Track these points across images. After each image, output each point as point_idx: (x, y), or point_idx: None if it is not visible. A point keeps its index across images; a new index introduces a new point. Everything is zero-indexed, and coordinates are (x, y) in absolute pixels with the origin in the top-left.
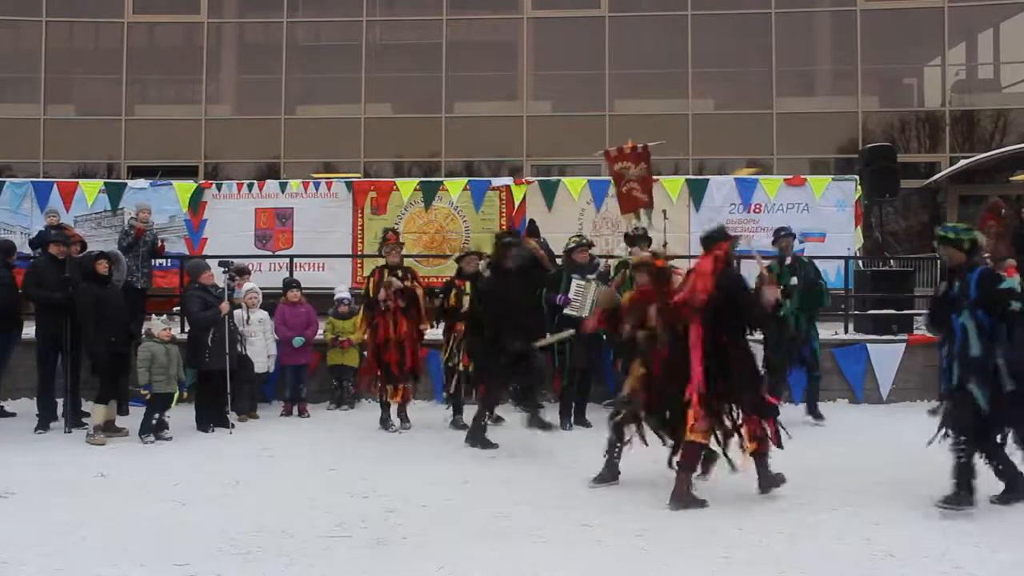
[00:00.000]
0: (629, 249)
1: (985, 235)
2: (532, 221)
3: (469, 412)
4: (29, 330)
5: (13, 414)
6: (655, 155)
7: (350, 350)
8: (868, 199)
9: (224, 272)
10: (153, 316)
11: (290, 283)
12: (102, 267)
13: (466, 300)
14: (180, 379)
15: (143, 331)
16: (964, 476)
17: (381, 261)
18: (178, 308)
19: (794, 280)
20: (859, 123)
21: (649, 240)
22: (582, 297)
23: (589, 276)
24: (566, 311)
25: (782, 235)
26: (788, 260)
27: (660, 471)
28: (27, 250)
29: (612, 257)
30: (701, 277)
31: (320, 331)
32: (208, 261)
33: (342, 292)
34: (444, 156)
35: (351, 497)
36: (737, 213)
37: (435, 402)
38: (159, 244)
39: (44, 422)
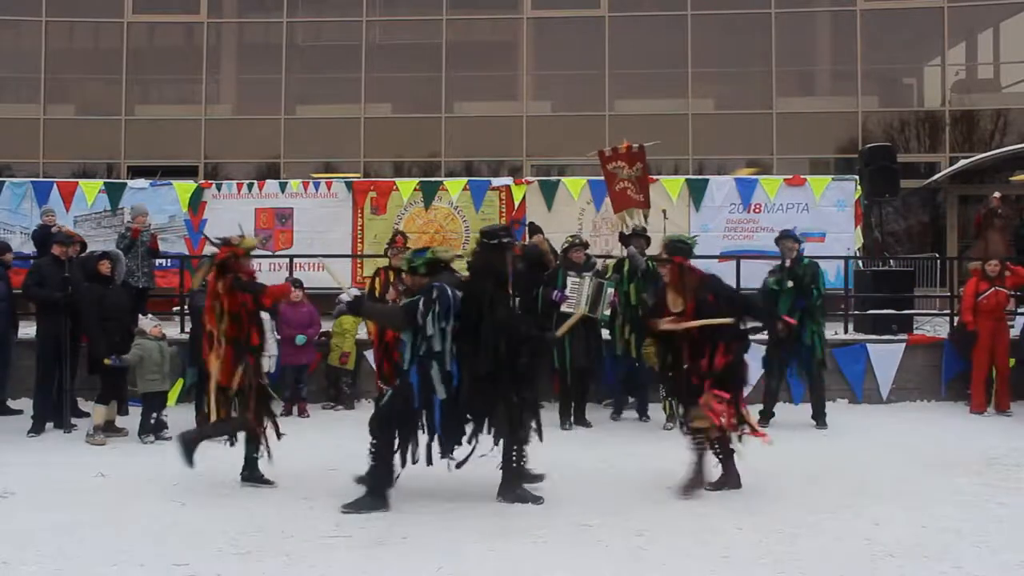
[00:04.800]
0: (624, 248)
1: (980, 232)
2: (532, 223)
3: None
4: (29, 330)
5: (20, 411)
6: (653, 155)
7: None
8: (868, 199)
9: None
10: (140, 316)
11: (293, 283)
12: (105, 267)
13: None
14: (179, 367)
15: (135, 330)
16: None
17: (382, 261)
18: (177, 308)
19: (789, 283)
20: (859, 123)
21: (648, 239)
22: (577, 294)
23: (584, 273)
24: (563, 308)
25: (782, 237)
26: (787, 263)
27: (662, 470)
28: (26, 249)
29: (611, 257)
30: None
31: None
32: None
33: (344, 295)
34: (444, 156)
35: (351, 497)
36: (737, 213)
37: None
38: (152, 239)
39: (38, 424)
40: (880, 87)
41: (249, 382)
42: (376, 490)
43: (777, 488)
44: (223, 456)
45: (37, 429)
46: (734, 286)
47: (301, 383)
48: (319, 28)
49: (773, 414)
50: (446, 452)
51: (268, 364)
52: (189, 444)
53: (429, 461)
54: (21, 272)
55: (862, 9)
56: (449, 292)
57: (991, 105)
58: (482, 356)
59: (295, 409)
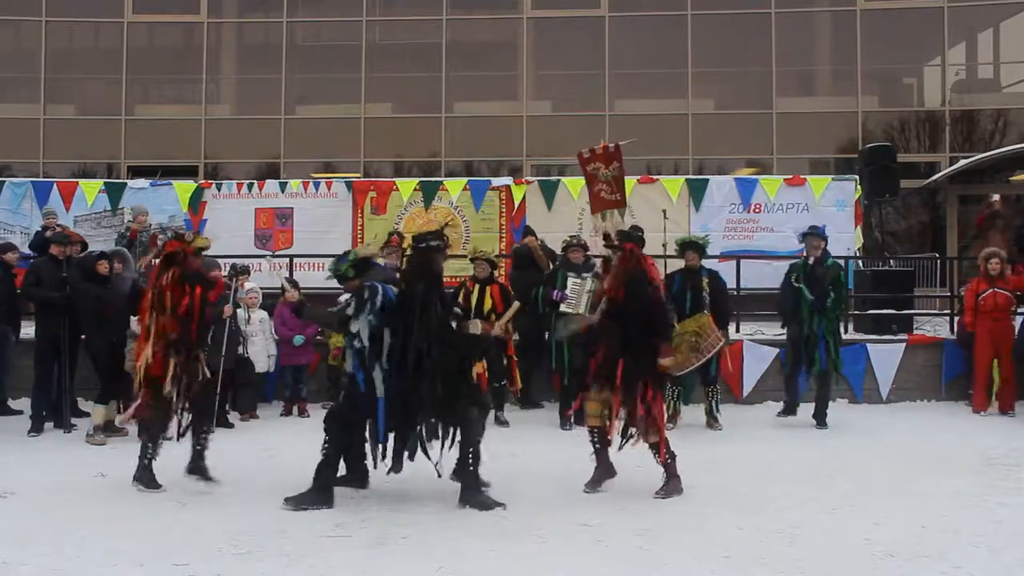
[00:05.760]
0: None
1: (981, 232)
2: (528, 227)
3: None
4: (29, 330)
5: (20, 412)
6: (653, 155)
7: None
8: (868, 199)
9: (225, 276)
10: (133, 317)
11: (290, 283)
12: (103, 267)
13: (474, 300)
14: None
15: (128, 331)
16: (322, 472)
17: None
18: None
19: (796, 281)
20: (859, 123)
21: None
22: (577, 294)
23: (584, 274)
24: (562, 307)
25: (808, 234)
26: (811, 261)
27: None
28: (24, 250)
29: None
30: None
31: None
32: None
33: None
34: (444, 156)
35: (350, 497)
36: (737, 213)
37: None
38: (151, 239)
39: (37, 424)
40: (880, 87)
41: (185, 376)
42: (320, 486)
43: (777, 488)
44: (223, 456)
45: (37, 429)
46: (733, 285)
47: (301, 383)
48: (319, 28)
49: (795, 412)
50: (398, 451)
51: (268, 364)
52: (144, 478)
53: (383, 457)
54: (21, 272)
55: (862, 9)
56: (381, 288)
57: (991, 105)
58: (410, 356)
59: (295, 409)
